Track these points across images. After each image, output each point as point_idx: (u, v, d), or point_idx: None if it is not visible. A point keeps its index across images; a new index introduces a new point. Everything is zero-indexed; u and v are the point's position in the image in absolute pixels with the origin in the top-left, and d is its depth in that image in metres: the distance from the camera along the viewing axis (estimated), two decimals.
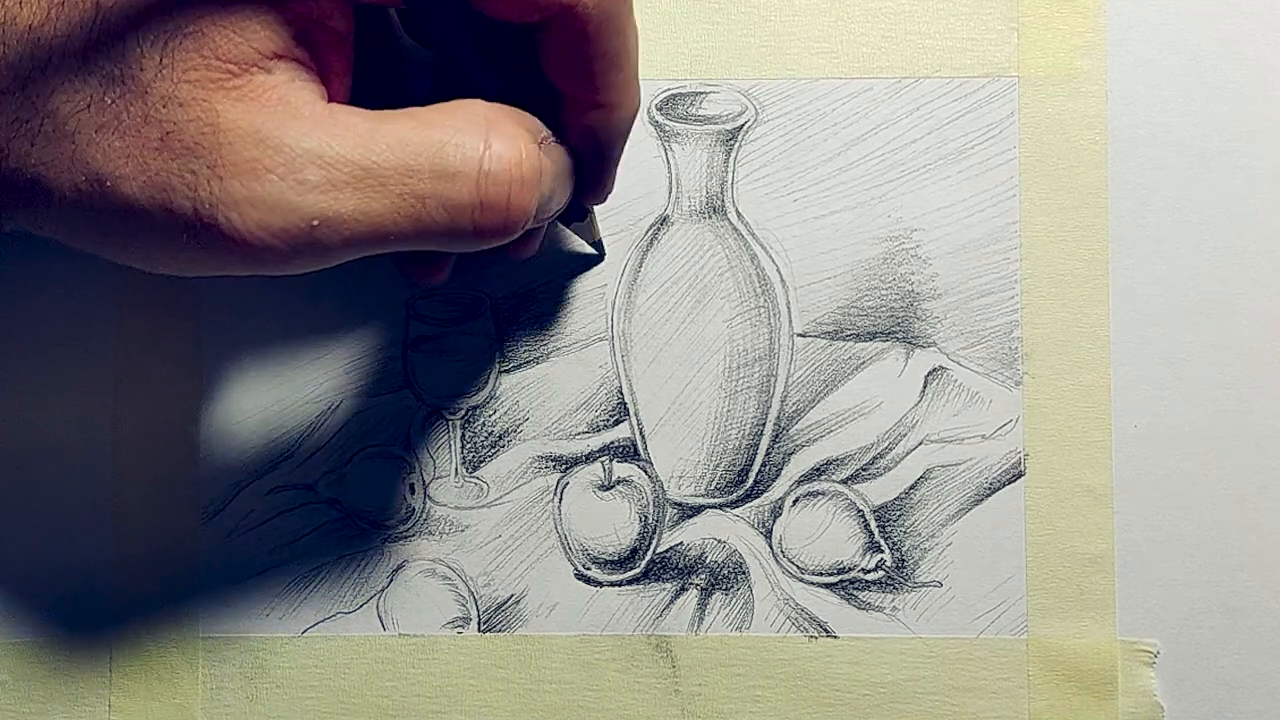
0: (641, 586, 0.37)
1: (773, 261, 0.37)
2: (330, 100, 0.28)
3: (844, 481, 0.37)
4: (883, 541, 0.37)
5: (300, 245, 0.26)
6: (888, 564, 0.37)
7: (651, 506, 0.37)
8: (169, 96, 0.25)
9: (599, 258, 0.37)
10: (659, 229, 0.37)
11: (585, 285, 0.38)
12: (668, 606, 0.37)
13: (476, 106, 0.28)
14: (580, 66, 0.29)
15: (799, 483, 0.37)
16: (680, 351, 0.37)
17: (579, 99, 0.30)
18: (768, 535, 0.37)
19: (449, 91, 0.29)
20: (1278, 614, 0.37)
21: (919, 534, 0.37)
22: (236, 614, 0.37)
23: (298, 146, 0.26)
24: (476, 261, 0.37)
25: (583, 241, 0.37)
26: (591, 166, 0.32)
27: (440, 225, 0.27)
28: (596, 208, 0.36)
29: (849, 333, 0.37)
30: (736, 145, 0.37)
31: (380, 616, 0.37)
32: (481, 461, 0.38)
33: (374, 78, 0.30)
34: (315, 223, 0.26)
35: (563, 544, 0.37)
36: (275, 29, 0.26)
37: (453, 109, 0.28)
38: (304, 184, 0.26)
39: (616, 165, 0.33)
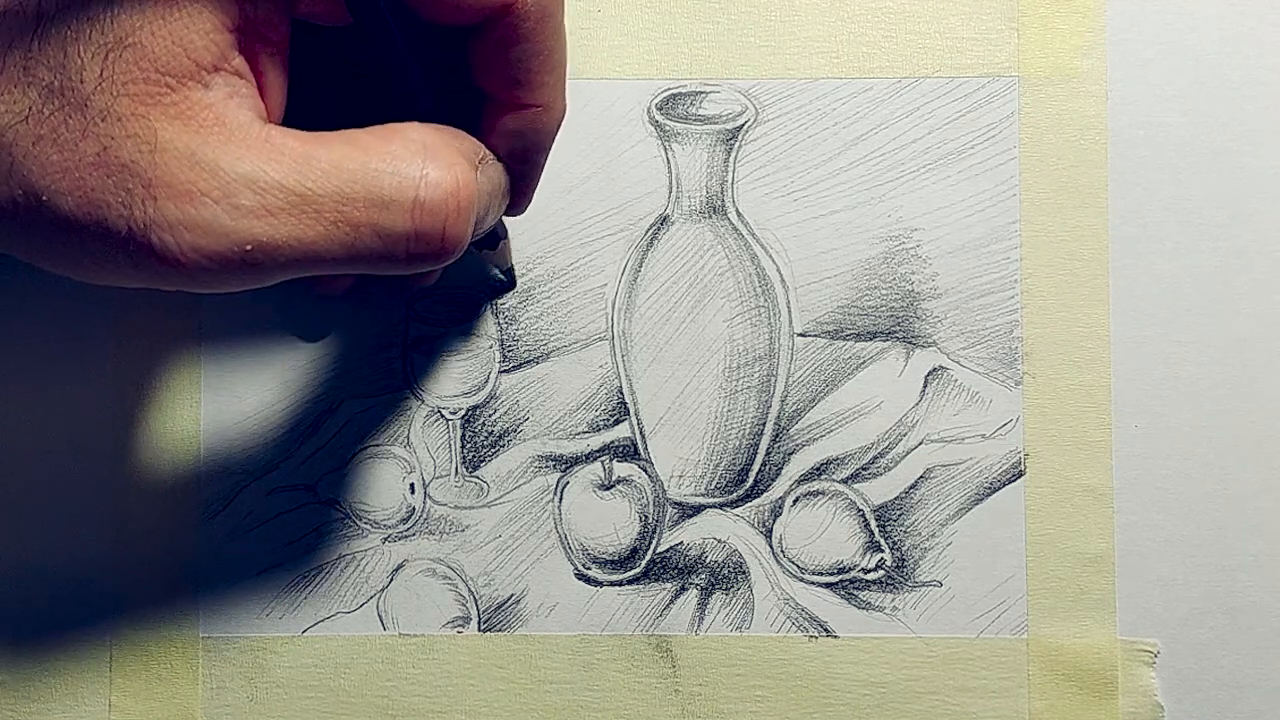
0: (641, 586, 0.37)
1: (773, 261, 0.37)
2: (267, 113, 0.28)
3: (844, 481, 0.37)
4: (883, 541, 0.37)
5: (233, 268, 0.26)
6: (888, 564, 0.37)
7: (651, 506, 0.37)
8: (108, 110, 0.25)
9: (509, 285, 0.37)
10: (659, 229, 0.37)
11: (585, 285, 0.38)
12: (668, 606, 0.37)
13: (413, 131, 0.28)
14: (515, 67, 0.29)
15: (799, 482, 0.37)
16: (680, 351, 0.37)
17: (509, 102, 0.30)
18: (768, 535, 0.37)
19: (382, 109, 0.29)
20: (1278, 614, 0.37)
21: (919, 534, 0.37)
22: (236, 614, 0.37)
23: (233, 171, 0.26)
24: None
25: (495, 269, 0.37)
26: (516, 176, 0.32)
27: (374, 251, 0.27)
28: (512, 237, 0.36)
29: (849, 332, 0.37)
30: (737, 145, 0.37)
31: (380, 616, 0.37)
32: (481, 461, 0.38)
33: (309, 94, 0.30)
34: (249, 247, 0.26)
35: (563, 544, 0.37)
36: (213, 38, 0.26)
37: (390, 134, 0.28)
38: (239, 209, 0.26)
39: (540, 173, 0.33)
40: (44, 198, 0.25)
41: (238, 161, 0.26)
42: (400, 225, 0.27)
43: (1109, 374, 0.37)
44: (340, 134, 0.27)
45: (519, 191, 0.32)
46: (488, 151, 0.30)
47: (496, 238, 0.35)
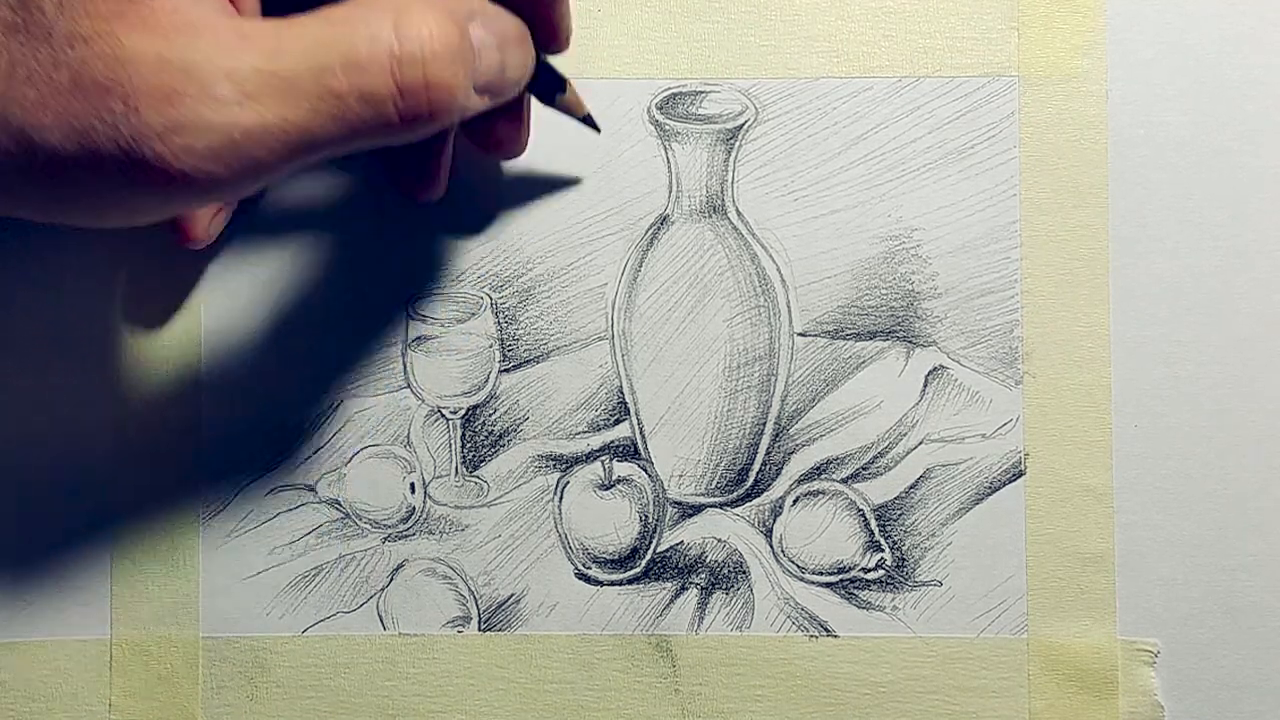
0: (641, 586, 0.37)
1: (773, 261, 0.37)
2: (242, 15, 0.27)
3: (844, 481, 0.37)
4: (883, 541, 0.37)
5: (231, 163, 0.26)
6: (888, 563, 0.37)
7: (652, 506, 0.37)
8: (72, 34, 0.25)
9: (595, 130, 0.36)
10: (659, 228, 0.37)
11: (585, 285, 0.38)
12: (668, 606, 0.37)
13: None
14: None
15: (799, 482, 0.37)
16: (680, 351, 0.37)
17: None
18: (768, 534, 0.37)
19: None
20: (1278, 614, 0.37)
21: (919, 533, 0.37)
22: (236, 614, 0.37)
23: (207, 65, 0.25)
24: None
25: (579, 125, 0.36)
26: (545, 7, 0.32)
27: (365, 119, 0.27)
28: (575, 92, 0.35)
29: (849, 332, 0.37)
30: (737, 144, 0.37)
31: (380, 616, 0.37)
32: (481, 461, 0.38)
33: None
34: (237, 136, 0.26)
35: (563, 543, 0.37)
36: None
37: (360, 2, 0.27)
38: (219, 100, 0.25)
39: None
40: (31, 137, 0.25)
41: (211, 57, 0.25)
42: (382, 85, 0.27)
43: (1109, 374, 0.37)
44: (310, 13, 0.27)
45: (552, 25, 0.32)
46: (487, 3, 0.30)
47: (552, 88, 0.34)
